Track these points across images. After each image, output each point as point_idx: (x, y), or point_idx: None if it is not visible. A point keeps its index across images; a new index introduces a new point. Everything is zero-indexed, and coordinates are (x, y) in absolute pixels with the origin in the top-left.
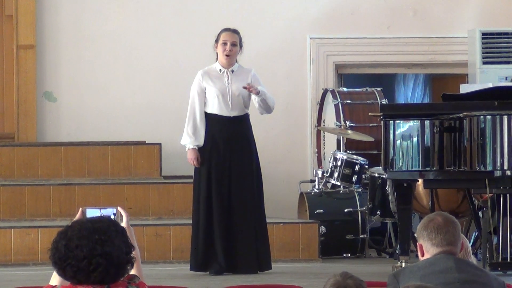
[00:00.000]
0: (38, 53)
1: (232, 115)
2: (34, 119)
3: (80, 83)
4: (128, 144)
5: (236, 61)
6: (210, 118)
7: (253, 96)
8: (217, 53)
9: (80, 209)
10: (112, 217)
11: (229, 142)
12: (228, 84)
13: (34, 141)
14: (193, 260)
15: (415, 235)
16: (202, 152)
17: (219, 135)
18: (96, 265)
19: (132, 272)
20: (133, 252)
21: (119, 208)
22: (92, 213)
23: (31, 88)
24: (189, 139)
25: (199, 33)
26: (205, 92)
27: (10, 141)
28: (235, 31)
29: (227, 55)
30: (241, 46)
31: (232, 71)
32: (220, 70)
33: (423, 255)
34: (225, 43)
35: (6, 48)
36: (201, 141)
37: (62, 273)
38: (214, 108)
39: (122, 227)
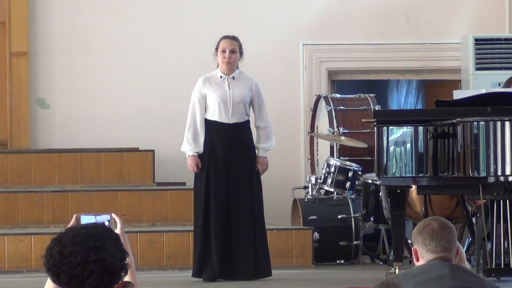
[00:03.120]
0: (31, 60)
1: (232, 122)
2: (27, 126)
3: (73, 90)
4: (122, 151)
5: (238, 67)
6: (210, 125)
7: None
8: (218, 61)
9: (75, 215)
10: (106, 223)
11: (228, 148)
12: (229, 90)
13: (27, 148)
14: (193, 266)
15: (409, 241)
16: (201, 158)
17: (218, 141)
18: (90, 271)
19: (126, 278)
20: (127, 259)
21: (113, 215)
22: (87, 219)
23: (24, 95)
24: (189, 146)
25: (193, 39)
26: (205, 99)
27: (3, 148)
28: (234, 38)
29: (226, 63)
30: (241, 53)
31: (233, 78)
32: (221, 76)
33: (418, 260)
34: (224, 51)
35: None
36: (201, 148)
37: (56, 280)
38: (214, 115)
39: (116, 234)
